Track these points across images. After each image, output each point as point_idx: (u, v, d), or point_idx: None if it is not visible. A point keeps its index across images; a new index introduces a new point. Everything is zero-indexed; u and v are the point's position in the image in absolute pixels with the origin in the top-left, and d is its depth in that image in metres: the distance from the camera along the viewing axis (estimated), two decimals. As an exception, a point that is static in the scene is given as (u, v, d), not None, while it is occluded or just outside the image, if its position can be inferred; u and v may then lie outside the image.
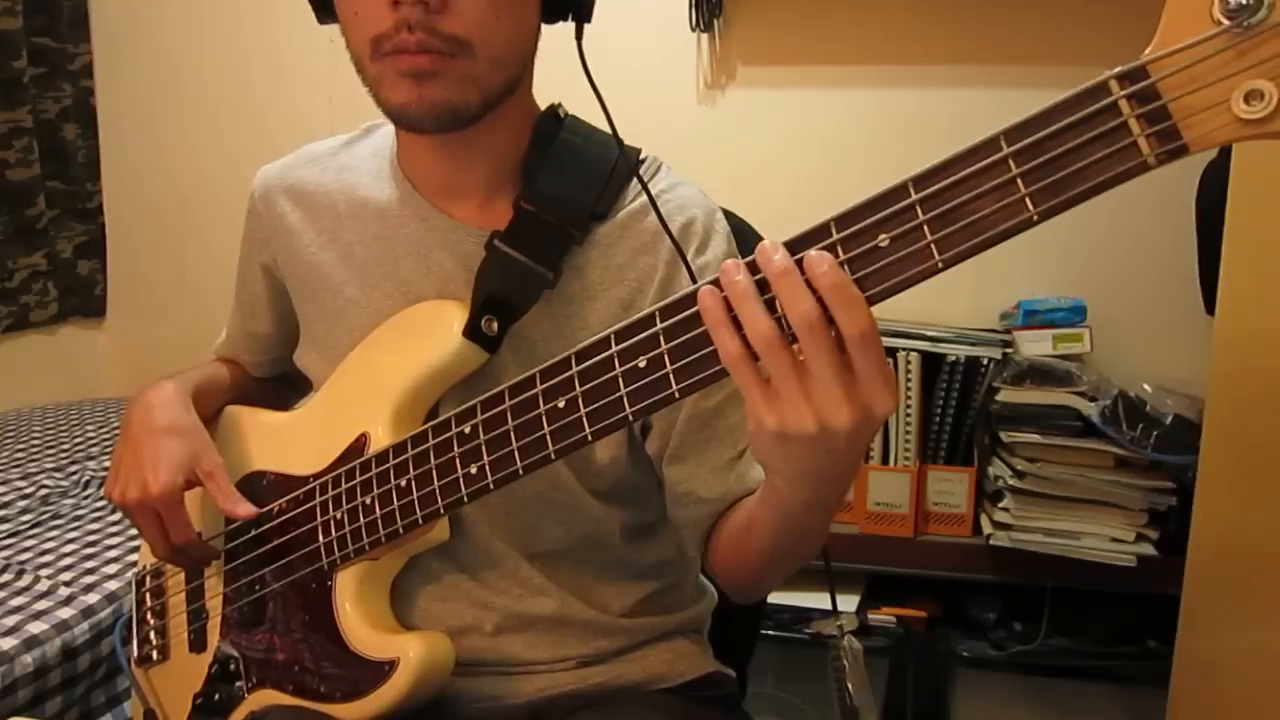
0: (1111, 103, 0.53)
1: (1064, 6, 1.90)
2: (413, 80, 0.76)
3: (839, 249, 0.59)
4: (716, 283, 0.62)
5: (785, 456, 0.64)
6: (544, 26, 0.84)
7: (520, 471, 0.74)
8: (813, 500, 0.69)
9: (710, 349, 0.63)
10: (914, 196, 0.57)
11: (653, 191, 0.84)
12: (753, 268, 0.60)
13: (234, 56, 2.33)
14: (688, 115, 2.12)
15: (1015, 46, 1.96)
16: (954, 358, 1.79)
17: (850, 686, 0.82)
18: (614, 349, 0.67)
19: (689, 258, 0.84)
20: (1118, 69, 0.53)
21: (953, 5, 1.97)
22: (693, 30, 2.06)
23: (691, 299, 0.63)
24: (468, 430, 0.76)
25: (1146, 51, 0.52)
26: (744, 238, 0.94)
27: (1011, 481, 1.74)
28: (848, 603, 1.87)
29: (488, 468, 0.75)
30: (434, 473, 0.78)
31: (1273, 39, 0.49)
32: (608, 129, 0.85)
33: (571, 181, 0.86)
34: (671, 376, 0.65)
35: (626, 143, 0.88)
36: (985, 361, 1.79)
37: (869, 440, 0.63)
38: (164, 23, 2.37)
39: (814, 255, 0.58)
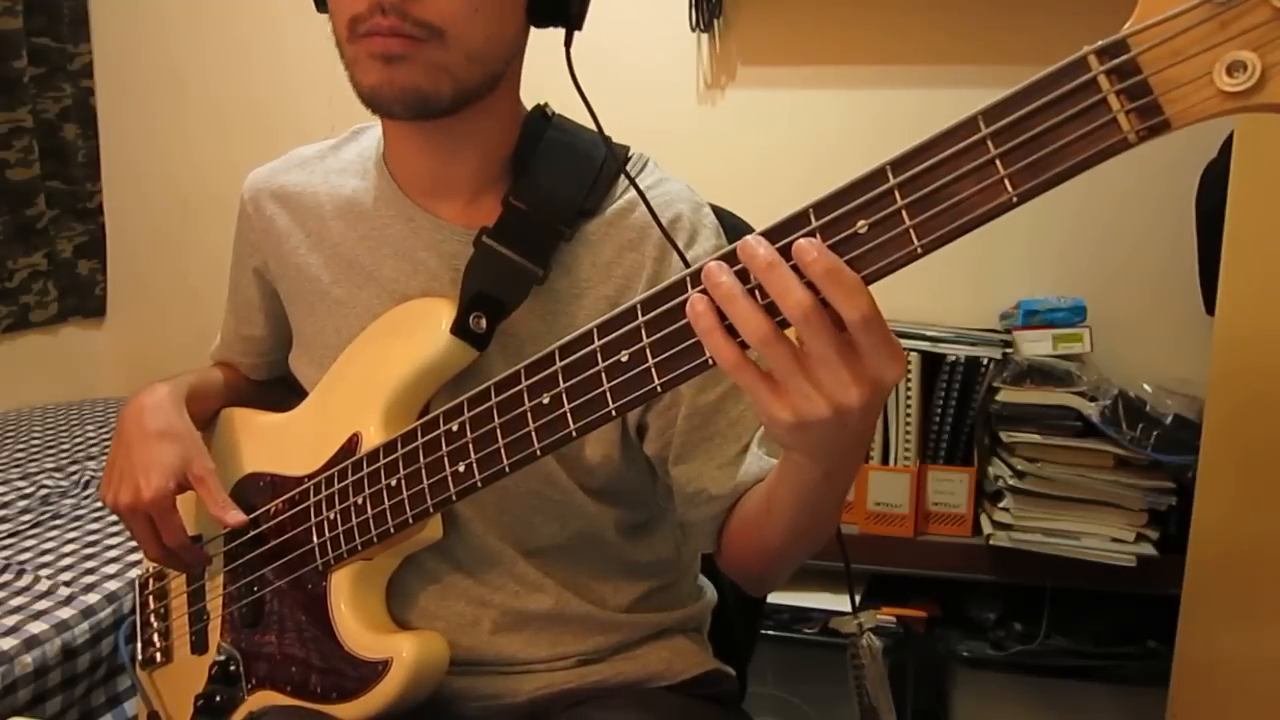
0: (1090, 78, 0.51)
1: (1065, 7, 1.90)
2: (383, 63, 0.76)
3: (817, 236, 0.58)
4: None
5: (804, 440, 0.64)
6: (537, 30, 0.84)
7: (507, 469, 0.73)
8: (835, 468, 0.69)
9: (692, 340, 0.62)
10: (892, 181, 0.56)
11: (639, 188, 0.84)
12: (734, 262, 0.60)
13: (234, 57, 2.33)
14: (688, 115, 2.12)
15: (1016, 47, 1.95)
16: (954, 358, 1.79)
17: (869, 685, 0.81)
18: (597, 343, 0.67)
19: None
20: (1097, 43, 0.51)
21: (953, 5, 1.97)
22: (693, 30, 2.06)
23: (673, 291, 0.63)
24: (455, 428, 0.76)
25: (1127, 25, 0.51)
26: (741, 237, 0.93)
27: (1011, 481, 1.74)
28: (848, 603, 1.86)
29: (475, 466, 0.75)
30: (423, 471, 0.78)
31: (1255, 8, 0.47)
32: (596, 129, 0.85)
33: (560, 178, 0.85)
34: (654, 370, 0.64)
35: (621, 142, 0.88)
36: (985, 361, 1.79)
37: (882, 406, 0.63)
38: (164, 23, 2.37)
39: (802, 243, 0.57)
